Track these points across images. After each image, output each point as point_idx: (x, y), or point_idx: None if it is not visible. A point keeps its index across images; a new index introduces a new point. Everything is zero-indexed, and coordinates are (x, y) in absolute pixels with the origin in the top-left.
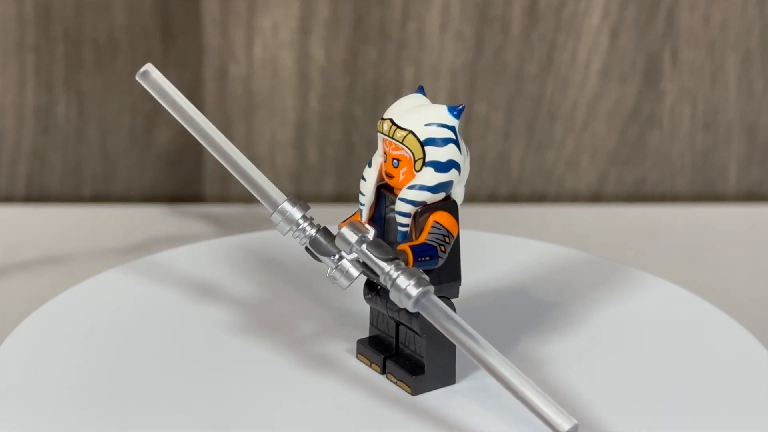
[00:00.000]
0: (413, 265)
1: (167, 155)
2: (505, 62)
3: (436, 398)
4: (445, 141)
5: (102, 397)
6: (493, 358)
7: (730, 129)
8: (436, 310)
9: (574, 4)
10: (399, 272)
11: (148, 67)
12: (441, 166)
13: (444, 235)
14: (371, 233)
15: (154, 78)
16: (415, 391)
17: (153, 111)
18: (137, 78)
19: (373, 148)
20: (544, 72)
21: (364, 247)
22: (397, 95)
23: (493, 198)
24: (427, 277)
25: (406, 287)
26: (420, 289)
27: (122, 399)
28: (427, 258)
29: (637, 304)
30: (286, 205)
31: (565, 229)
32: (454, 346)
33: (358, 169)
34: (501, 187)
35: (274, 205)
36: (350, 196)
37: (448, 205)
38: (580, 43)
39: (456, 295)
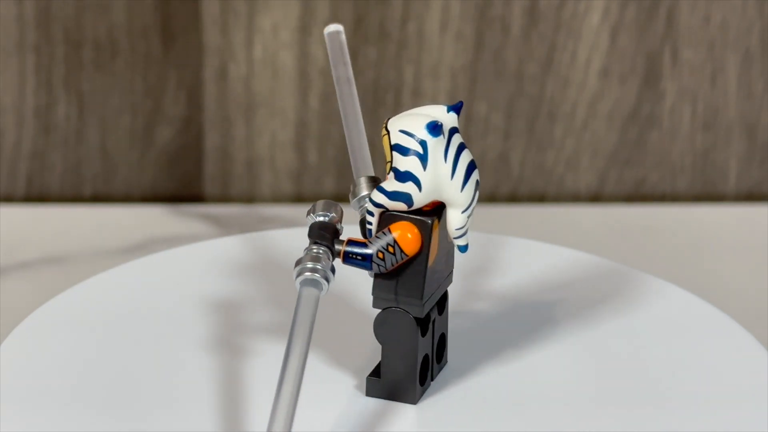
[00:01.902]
0: (343, 258)
1: (167, 155)
2: (505, 62)
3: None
4: (409, 151)
5: (102, 397)
6: (291, 367)
7: (730, 129)
8: (300, 304)
9: (574, 4)
10: (306, 253)
11: (340, 28)
12: (399, 175)
13: (389, 244)
14: (329, 216)
15: (341, 40)
16: (367, 392)
17: (153, 111)
18: (326, 32)
19: (373, 148)
20: (544, 72)
21: (309, 223)
22: (397, 95)
23: (493, 198)
24: (317, 272)
25: (297, 268)
26: (299, 277)
27: (122, 399)
28: (358, 258)
29: (636, 304)
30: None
31: (565, 229)
32: (414, 364)
33: None
34: (501, 187)
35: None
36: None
37: (422, 222)
38: (580, 43)
39: (419, 314)
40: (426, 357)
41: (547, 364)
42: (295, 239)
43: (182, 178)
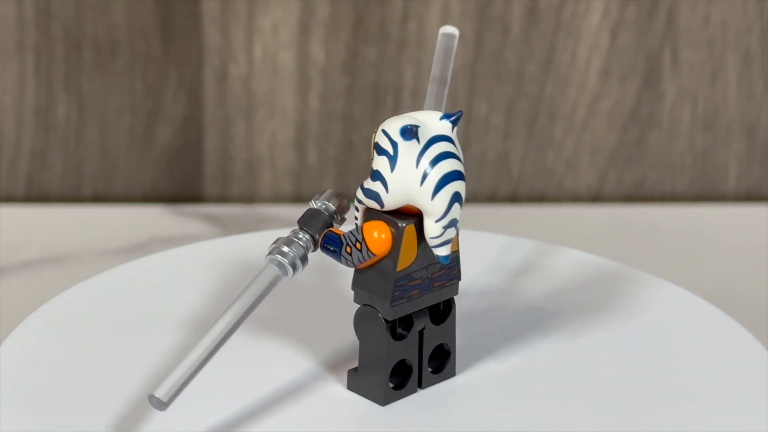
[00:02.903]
0: (321, 247)
1: (167, 155)
2: (505, 62)
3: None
4: (382, 151)
5: (102, 397)
6: (210, 335)
7: (730, 129)
8: (255, 279)
9: (574, 4)
10: (288, 236)
11: (457, 33)
12: (372, 174)
13: (357, 241)
14: (326, 206)
15: (453, 44)
16: (348, 385)
17: (153, 111)
18: (441, 31)
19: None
20: (544, 72)
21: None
22: (397, 95)
23: (493, 198)
24: (285, 255)
25: (271, 246)
26: (268, 256)
27: (122, 399)
28: (331, 248)
29: (636, 304)
30: None
31: (565, 229)
32: (383, 366)
33: (358, 169)
34: (501, 187)
35: None
36: (350, 196)
37: (396, 224)
38: (580, 43)
39: (387, 317)
40: (407, 363)
41: (547, 364)
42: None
43: (182, 178)
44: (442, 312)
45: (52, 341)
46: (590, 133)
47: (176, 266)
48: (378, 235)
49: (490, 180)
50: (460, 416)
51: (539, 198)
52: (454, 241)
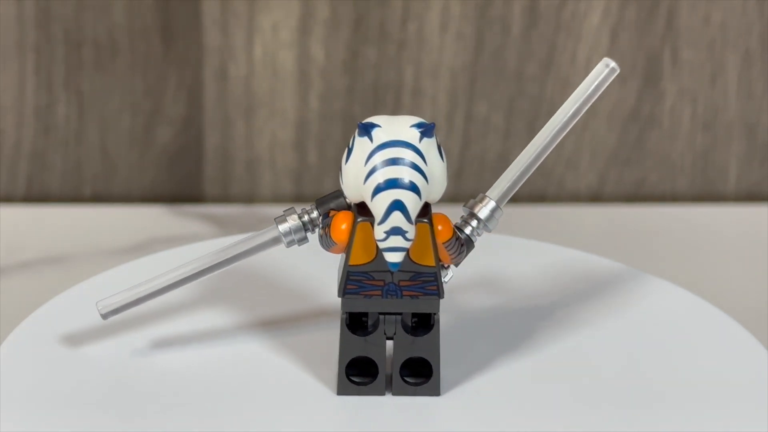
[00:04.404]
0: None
1: (167, 155)
2: (505, 62)
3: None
4: (349, 142)
5: (102, 397)
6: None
7: (730, 129)
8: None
9: (574, 4)
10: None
11: (615, 65)
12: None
13: (327, 226)
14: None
15: (609, 78)
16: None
17: (153, 111)
18: (605, 63)
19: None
20: (544, 72)
21: None
22: (397, 95)
23: None
24: (292, 221)
25: (281, 216)
26: (276, 220)
27: (122, 399)
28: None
29: (636, 304)
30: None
31: (565, 229)
32: (342, 356)
33: None
34: None
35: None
36: None
37: (356, 220)
38: (580, 43)
39: (342, 307)
40: (372, 363)
41: (547, 364)
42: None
43: (182, 178)
44: (418, 324)
45: (52, 341)
46: (590, 133)
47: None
48: (339, 225)
49: (490, 180)
50: (459, 416)
51: (539, 198)
52: (444, 256)
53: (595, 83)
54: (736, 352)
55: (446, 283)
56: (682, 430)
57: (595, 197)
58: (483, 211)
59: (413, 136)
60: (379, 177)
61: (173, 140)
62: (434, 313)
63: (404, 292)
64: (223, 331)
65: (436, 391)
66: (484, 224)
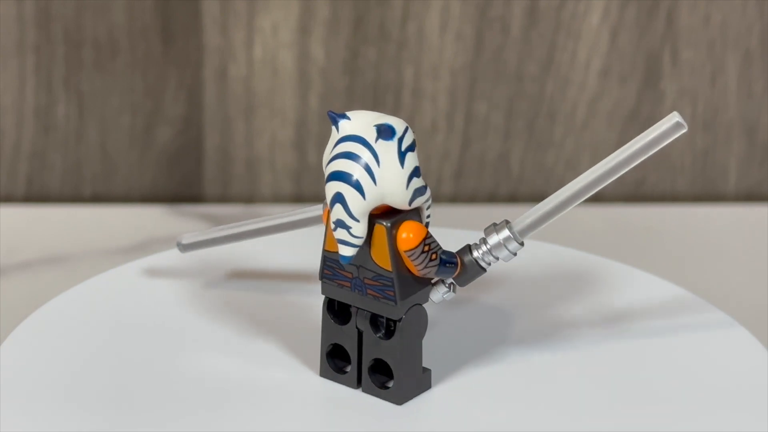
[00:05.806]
0: None
1: (167, 155)
2: (505, 62)
3: None
4: None
5: (102, 397)
6: None
7: (730, 129)
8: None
9: (574, 4)
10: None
11: (681, 120)
12: None
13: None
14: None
15: (672, 133)
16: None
17: (153, 111)
18: (673, 118)
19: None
20: (544, 72)
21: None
22: (397, 95)
23: (493, 198)
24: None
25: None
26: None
27: (122, 399)
28: None
29: (636, 304)
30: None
31: (565, 229)
32: (323, 338)
33: None
34: (501, 187)
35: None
36: None
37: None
38: (580, 43)
39: (323, 292)
40: (344, 352)
41: (547, 364)
42: (295, 240)
43: (182, 178)
44: (388, 327)
45: (52, 341)
46: (590, 133)
47: (176, 266)
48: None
49: (490, 180)
50: (455, 414)
51: (539, 198)
52: (409, 265)
53: (656, 133)
54: (736, 352)
55: (436, 302)
56: (682, 430)
57: (595, 197)
58: (492, 238)
59: (371, 135)
60: (332, 167)
61: (173, 140)
62: (397, 321)
63: (368, 291)
64: (223, 331)
65: (398, 400)
66: (490, 251)
